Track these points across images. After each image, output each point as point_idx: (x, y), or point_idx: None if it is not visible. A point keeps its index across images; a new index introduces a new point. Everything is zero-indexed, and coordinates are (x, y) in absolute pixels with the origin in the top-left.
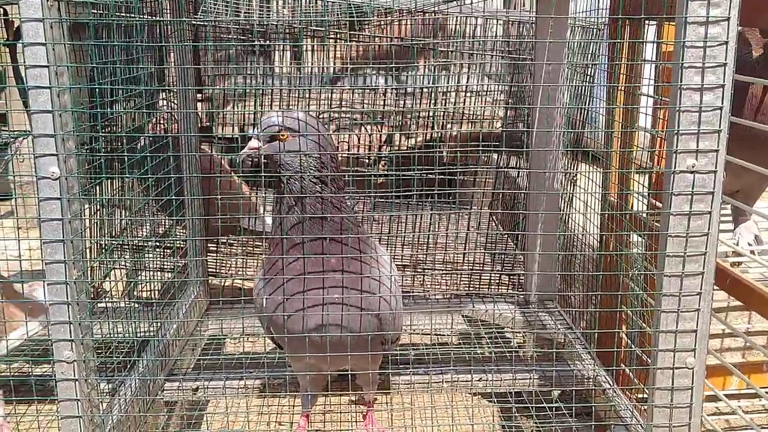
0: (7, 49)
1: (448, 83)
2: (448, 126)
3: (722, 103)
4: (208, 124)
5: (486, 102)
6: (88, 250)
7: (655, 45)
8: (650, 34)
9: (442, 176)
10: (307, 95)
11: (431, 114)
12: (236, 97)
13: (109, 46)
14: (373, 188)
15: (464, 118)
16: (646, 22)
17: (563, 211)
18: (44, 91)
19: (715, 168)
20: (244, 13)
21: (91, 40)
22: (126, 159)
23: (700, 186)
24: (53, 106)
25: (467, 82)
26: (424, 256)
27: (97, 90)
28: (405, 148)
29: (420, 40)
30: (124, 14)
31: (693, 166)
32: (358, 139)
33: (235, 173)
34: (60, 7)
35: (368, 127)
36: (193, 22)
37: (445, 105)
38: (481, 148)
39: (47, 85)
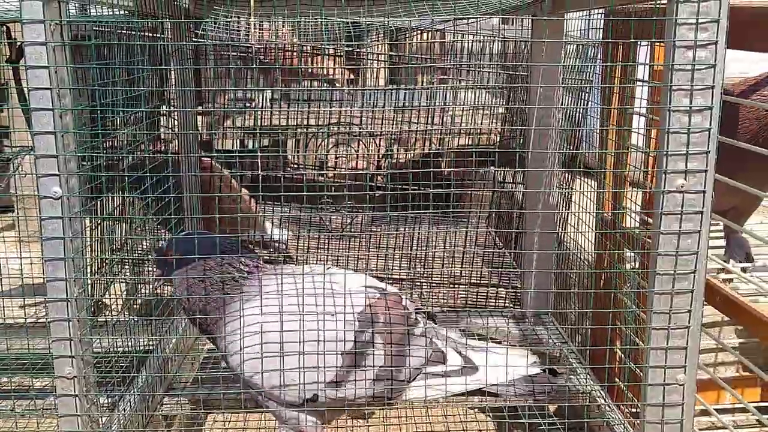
0: (10, 68)
1: (445, 98)
2: (446, 139)
3: (710, 125)
4: (208, 138)
5: (483, 116)
6: (88, 267)
7: (646, 65)
8: (642, 53)
9: (440, 190)
10: (306, 110)
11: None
12: (236, 113)
13: (110, 64)
14: (371, 202)
15: (462, 131)
16: (638, 42)
17: (558, 226)
18: (47, 112)
19: (704, 188)
20: (245, 30)
21: (92, 62)
22: (127, 176)
23: (689, 206)
24: (55, 127)
25: (464, 97)
26: (422, 270)
27: (98, 109)
28: (403, 161)
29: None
30: (125, 32)
31: (682, 186)
32: (357, 154)
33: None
34: (63, 31)
35: (367, 141)
36: (194, 43)
37: (442, 119)
38: (477, 166)
39: (50, 107)
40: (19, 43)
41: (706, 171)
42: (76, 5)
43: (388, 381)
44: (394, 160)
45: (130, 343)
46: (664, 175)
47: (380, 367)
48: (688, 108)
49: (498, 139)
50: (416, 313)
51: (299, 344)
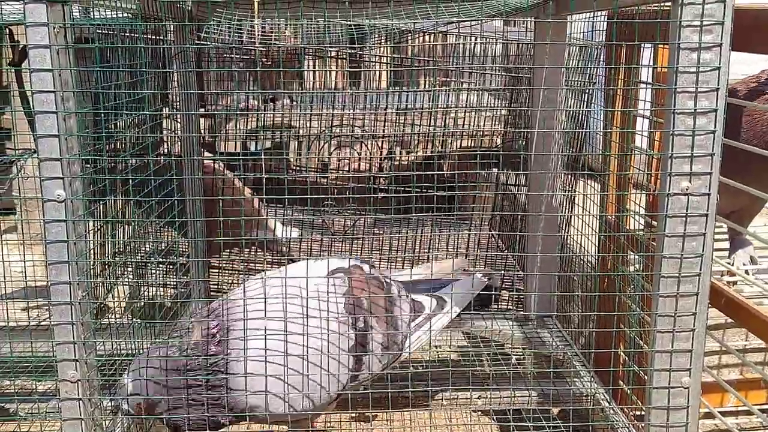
0: (13, 70)
1: (447, 100)
2: (449, 141)
3: (715, 127)
4: (210, 140)
5: (486, 117)
6: (92, 269)
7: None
8: (646, 55)
9: (442, 191)
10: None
11: (431, 129)
12: (238, 115)
13: (113, 66)
14: (374, 204)
15: (464, 133)
16: (642, 45)
17: (561, 229)
18: (50, 115)
19: (709, 190)
20: (247, 32)
21: (96, 65)
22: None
23: (694, 208)
24: (59, 130)
25: (466, 99)
26: None
27: (102, 112)
28: (406, 163)
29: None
30: (128, 35)
31: (687, 189)
32: (359, 156)
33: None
34: (66, 33)
35: (369, 143)
36: (197, 45)
37: (445, 121)
38: (479, 168)
39: (53, 110)
40: (21, 46)
41: (710, 173)
42: (80, 8)
43: (392, 348)
44: (397, 162)
45: (133, 346)
46: (668, 178)
47: (383, 341)
48: (692, 110)
49: (500, 142)
50: (380, 275)
51: (305, 362)
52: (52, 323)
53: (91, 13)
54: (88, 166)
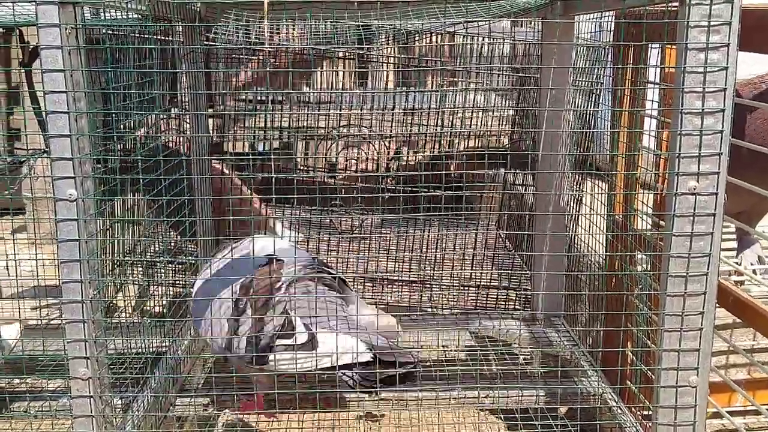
0: (23, 71)
1: (454, 100)
2: (456, 141)
3: (722, 127)
4: (218, 141)
5: (493, 117)
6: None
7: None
8: (654, 55)
9: (449, 191)
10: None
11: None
12: (246, 116)
13: (124, 67)
14: (381, 204)
15: (471, 133)
16: (649, 45)
17: (569, 229)
18: (62, 115)
19: (716, 190)
20: (256, 33)
21: (108, 66)
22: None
23: (701, 208)
24: (71, 130)
25: (473, 100)
26: (432, 272)
27: (113, 112)
28: (413, 163)
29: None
30: (138, 35)
31: (694, 188)
32: (366, 156)
33: (246, 186)
34: (78, 34)
35: (376, 143)
36: (206, 46)
37: (452, 121)
38: (486, 168)
39: (65, 110)
40: (32, 47)
41: (718, 173)
42: (90, 9)
43: (252, 345)
44: (404, 162)
45: (143, 345)
46: (676, 177)
47: (247, 332)
48: (700, 110)
49: (507, 142)
50: (294, 280)
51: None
52: (64, 321)
53: (102, 15)
54: (99, 166)
